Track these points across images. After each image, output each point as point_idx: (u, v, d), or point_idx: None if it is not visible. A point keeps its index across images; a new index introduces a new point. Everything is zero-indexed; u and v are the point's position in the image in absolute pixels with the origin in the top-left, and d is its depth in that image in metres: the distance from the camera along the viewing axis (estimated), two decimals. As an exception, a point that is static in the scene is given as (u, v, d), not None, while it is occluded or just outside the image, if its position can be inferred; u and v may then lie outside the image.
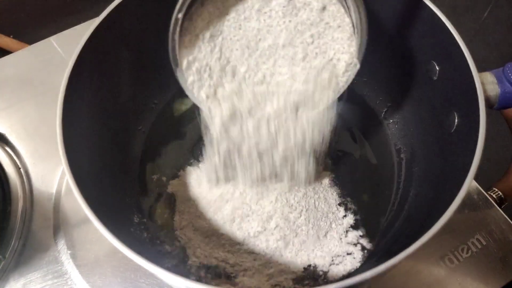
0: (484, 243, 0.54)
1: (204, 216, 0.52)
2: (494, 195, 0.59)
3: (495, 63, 0.48)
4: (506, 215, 0.56)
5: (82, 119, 0.46)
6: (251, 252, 0.50)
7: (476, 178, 0.38)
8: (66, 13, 0.85)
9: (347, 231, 0.53)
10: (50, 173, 0.59)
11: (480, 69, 0.43)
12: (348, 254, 0.51)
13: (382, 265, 0.35)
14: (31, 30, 0.82)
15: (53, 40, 0.71)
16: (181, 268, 0.49)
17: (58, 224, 0.55)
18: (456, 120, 0.45)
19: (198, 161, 0.58)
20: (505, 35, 0.92)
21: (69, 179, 0.37)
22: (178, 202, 0.55)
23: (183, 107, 0.63)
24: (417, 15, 0.48)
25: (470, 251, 0.54)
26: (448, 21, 0.45)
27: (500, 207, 0.57)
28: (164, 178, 0.57)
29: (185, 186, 0.55)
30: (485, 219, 0.56)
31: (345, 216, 0.54)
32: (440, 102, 0.49)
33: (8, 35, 0.78)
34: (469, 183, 0.37)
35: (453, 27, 0.45)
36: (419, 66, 0.52)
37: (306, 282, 0.49)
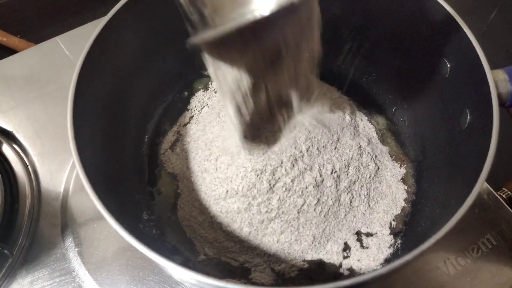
0: (495, 243, 0.54)
1: (207, 210, 0.52)
2: (504, 195, 0.58)
3: (502, 63, 0.47)
4: (517, 215, 0.56)
5: (92, 117, 0.46)
6: (260, 248, 0.50)
7: (486, 178, 0.37)
8: (72, 13, 0.85)
9: (357, 231, 0.53)
10: (57, 171, 0.59)
11: (489, 68, 0.43)
12: (357, 250, 0.51)
13: (389, 265, 0.34)
14: (38, 30, 0.82)
15: (59, 40, 0.71)
16: (191, 264, 0.49)
17: (66, 222, 0.55)
18: (468, 118, 0.45)
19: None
20: (513, 36, 0.91)
21: (80, 175, 0.37)
22: (183, 195, 0.55)
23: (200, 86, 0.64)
24: (427, 12, 0.48)
25: (480, 251, 0.53)
26: (459, 17, 0.45)
27: (510, 207, 0.57)
28: (173, 174, 0.57)
29: (191, 180, 0.55)
30: (495, 219, 0.55)
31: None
32: (452, 99, 0.49)
33: (15, 35, 0.78)
34: (483, 181, 0.37)
35: (464, 23, 0.45)
36: (429, 64, 0.51)
37: (317, 277, 0.49)
